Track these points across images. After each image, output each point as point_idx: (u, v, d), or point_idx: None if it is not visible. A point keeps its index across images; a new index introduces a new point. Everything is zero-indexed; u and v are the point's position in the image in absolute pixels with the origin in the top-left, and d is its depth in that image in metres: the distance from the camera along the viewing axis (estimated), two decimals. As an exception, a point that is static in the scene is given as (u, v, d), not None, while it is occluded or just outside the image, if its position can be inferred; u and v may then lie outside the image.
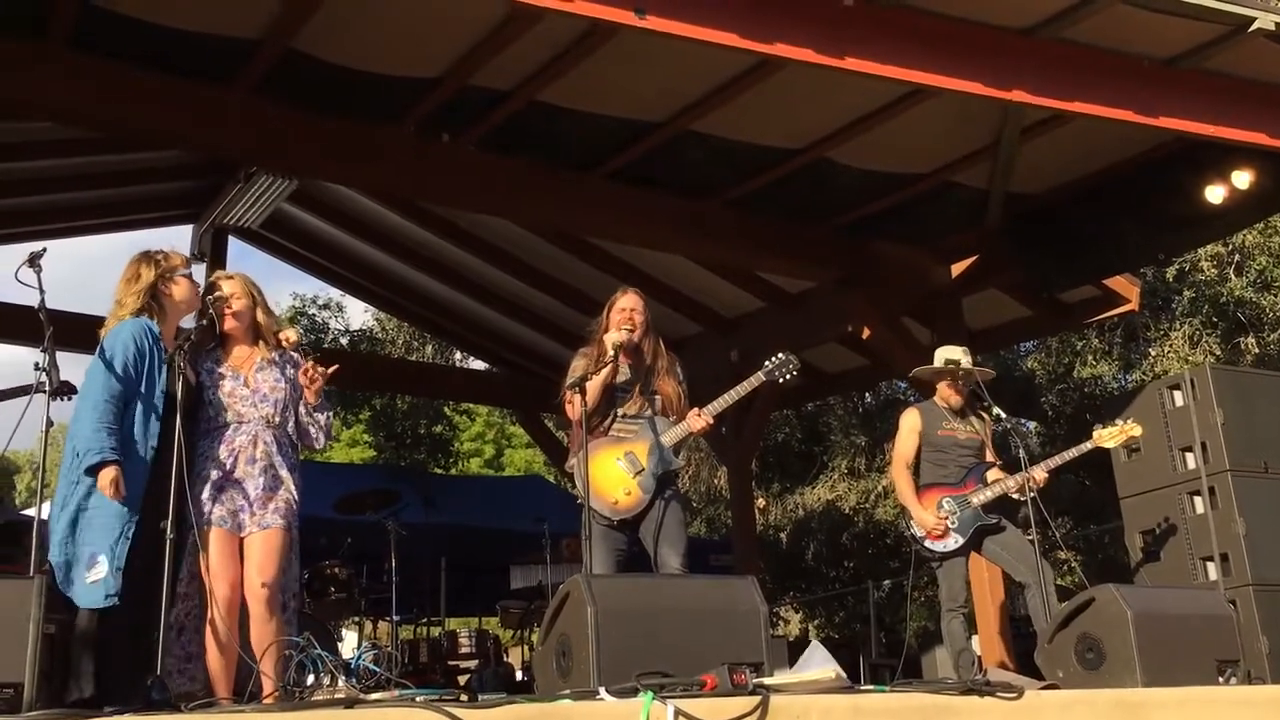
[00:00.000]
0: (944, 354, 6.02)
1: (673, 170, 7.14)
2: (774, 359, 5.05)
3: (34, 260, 3.93)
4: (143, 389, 4.12)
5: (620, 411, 5.00)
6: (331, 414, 4.60)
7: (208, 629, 4.11)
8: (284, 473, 4.33)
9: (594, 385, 4.85)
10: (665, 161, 7.02)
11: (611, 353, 4.89)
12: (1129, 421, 5.92)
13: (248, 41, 5.78)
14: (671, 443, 4.99)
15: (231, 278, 4.58)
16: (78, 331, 4.67)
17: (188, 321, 4.55)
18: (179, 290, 4.37)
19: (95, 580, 3.87)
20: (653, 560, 4.90)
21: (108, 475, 3.91)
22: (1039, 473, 5.65)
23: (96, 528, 3.94)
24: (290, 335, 4.57)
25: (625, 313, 5.05)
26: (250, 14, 5.59)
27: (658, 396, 5.06)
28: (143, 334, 4.17)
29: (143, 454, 4.06)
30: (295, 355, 4.55)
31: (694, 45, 4.73)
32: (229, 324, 4.44)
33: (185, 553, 4.11)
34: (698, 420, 4.94)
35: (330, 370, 4.45)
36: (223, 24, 5.65)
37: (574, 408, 4.77)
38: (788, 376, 5.07)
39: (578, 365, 5.01)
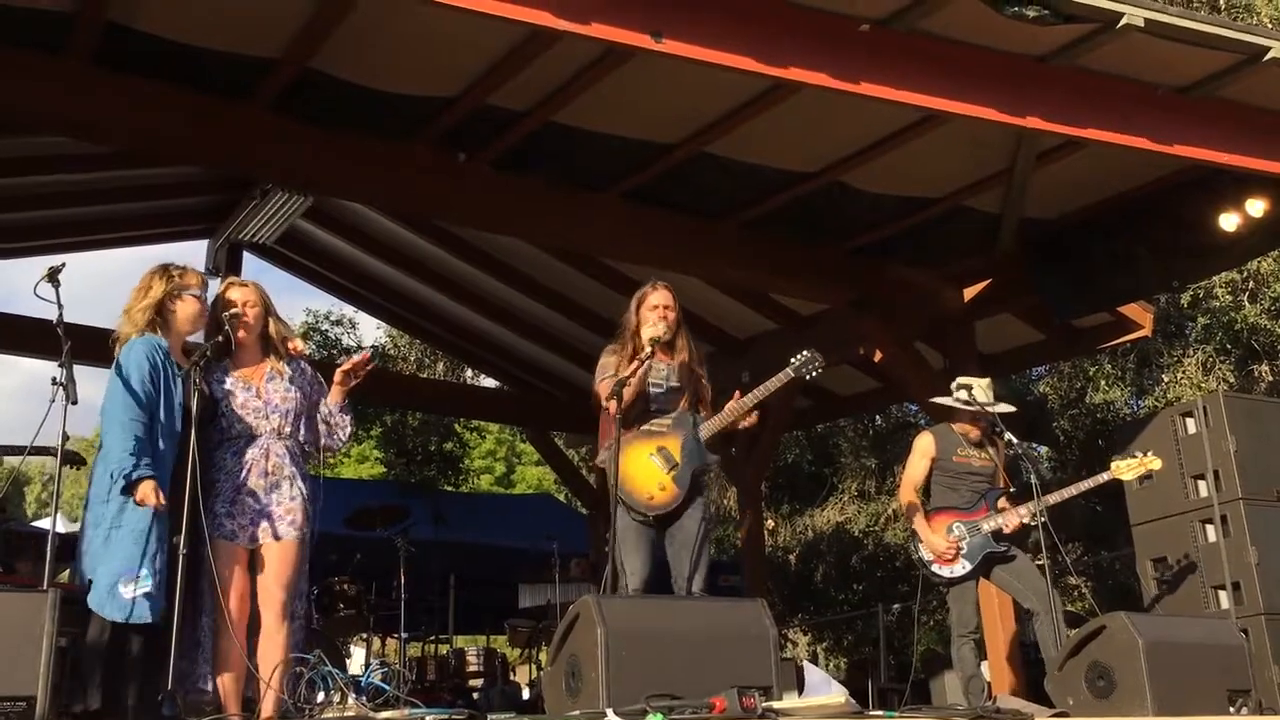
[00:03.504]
0: (961, 383, 5.97)
1: (687, 191, 7.16)
2: (799, 356, 5.02)
3: (53, 275, 3.97)
4: (160, 405, 4.14)
5: (655, 407, 4.95)
6: (352, 417, 4.62)
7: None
8: (298, 483, 4.37)
9: (632, 386, 4.77)
10: (679, 183, 7.04)
11: (648, 349, 4.83)
12: (1149, 454, 5.87)
13: (266, 60, 5.82)
14: (705, 436, 4.95)
15: (245, 285, 4.61)
16: (95, 345, 4.69)
17: (198, 337, 4.58)
18: (184, 309, 4.38)
19: (133, 595, 3.86)
20: (675, 571, 4.84)
21: (146, 488, 3.93)
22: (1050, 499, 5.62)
23: (128, 543, 3.95)
24: (298, 344, 4.60)
25: (659, 309, 5.00)
26: (270, 33, 5.63)
27: (690, 391, 5.03)
28: (154, 350, 4.21)
29: (164, 469, 4.09)
30: (304, 364, 4.58)
31: (710, 69, 4.75)
32: (241, 334, 4.46)
33: (205, 565, 4.12)
34: (736, 406, 4.92)
35: (366, 363, 4.50)
36: (242, 42, 5.69)
37: (613, 405, 4.71)
38: (814, 373, 5.03)
39: (608, 361, 4.96)
